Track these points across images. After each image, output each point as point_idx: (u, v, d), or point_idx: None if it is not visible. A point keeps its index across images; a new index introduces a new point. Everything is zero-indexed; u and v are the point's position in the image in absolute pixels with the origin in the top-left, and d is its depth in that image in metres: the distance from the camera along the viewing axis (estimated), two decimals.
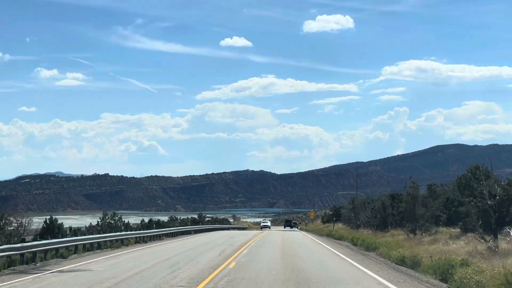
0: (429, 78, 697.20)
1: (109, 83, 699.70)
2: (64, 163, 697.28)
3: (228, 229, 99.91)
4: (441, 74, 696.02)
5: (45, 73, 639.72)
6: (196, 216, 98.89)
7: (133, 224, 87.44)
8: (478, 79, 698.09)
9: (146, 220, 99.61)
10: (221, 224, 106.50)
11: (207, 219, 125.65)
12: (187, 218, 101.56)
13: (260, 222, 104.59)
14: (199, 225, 72.80)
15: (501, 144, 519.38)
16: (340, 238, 46.20)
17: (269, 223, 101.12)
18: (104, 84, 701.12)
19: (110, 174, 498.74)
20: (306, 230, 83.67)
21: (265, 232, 68.56)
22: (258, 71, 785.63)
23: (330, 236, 51.81)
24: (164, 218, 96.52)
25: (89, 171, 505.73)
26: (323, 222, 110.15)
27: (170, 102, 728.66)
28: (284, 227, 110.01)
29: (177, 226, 67.04)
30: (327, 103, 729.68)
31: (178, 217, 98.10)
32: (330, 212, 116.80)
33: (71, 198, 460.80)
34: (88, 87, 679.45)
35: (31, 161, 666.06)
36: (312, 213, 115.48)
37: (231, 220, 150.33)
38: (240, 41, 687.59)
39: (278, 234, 57.73)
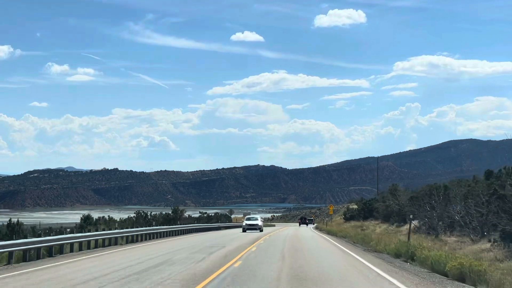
0: (441, 73, 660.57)
1: (120, 78, 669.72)
2: (75, 158, 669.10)
3: (218, 228, 67.91)
4: (453, 70, 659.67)
5: (56, 68, 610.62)
6: (172, 212, 66.96)
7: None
8: (490, 75, 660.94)
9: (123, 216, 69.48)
10: (209, 223, 74.76)
11: (196, 215, 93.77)
12: (160, 214, 69.83)
13: (245, 219, 59.07)
14: (155, 227, 40.69)
15: None
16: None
17: (259, 221, 55.83)
18: (115, 79, 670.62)
19: (119, 169, 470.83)
20: (330, 233, 51.14)
21: (256, 243, 31.12)
22: (269, 67, 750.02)
23: (418, 262, 19.19)
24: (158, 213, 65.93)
25: (99, 167, 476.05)
26: (346, 219, 79.66)
27: (181, 98, 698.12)
28: (299, 225, 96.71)
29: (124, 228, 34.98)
30: (339, 99, 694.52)
31: (148, 213, 66.68)
32: (355, 207, 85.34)
33: (79, 193, 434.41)
34: (99, 83, 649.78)
35: (43, 157, 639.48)
36: (331, 208, 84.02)
37: (239, 215, 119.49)
38: (251, 36, 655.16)
39: (280, 254, 24.19)
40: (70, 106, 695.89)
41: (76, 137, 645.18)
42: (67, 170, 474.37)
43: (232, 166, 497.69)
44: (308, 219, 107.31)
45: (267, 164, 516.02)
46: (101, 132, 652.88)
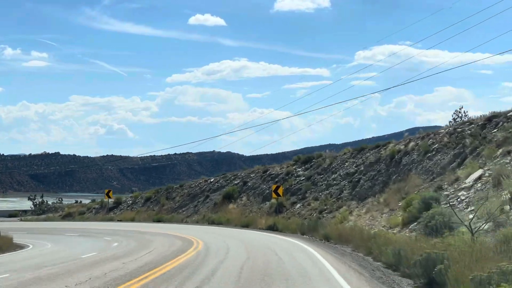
0: (402, 63, 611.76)
1: (77, 65, 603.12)
2: (31, 146, 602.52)
3: None
4: (414, 60, 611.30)
5: (9, 51, 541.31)
6: None
7: None
8: (451, 65, 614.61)
9: None
10: None
11: None
12: None
13: None
14: None
15: None
16: None
17: None
18: (72, 66, 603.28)
19: (61, 153, 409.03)
20: None
21: None
22: (230, 54, 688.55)
23: None
24: None
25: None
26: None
27: (140, 85, 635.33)
28: None
29: None
30: (299, 88, 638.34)
31: None
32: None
33: (14, 178, 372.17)
34: (56, 69, 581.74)
35: None
36: None
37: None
38: (212, 19, 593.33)
39: None
40: (26, 92, 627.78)
41: (32, 124, 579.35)
42: (2, 154, 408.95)
43: (186, 152, 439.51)
44: None
45: (224, 150, 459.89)
46: (58, 119, 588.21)
